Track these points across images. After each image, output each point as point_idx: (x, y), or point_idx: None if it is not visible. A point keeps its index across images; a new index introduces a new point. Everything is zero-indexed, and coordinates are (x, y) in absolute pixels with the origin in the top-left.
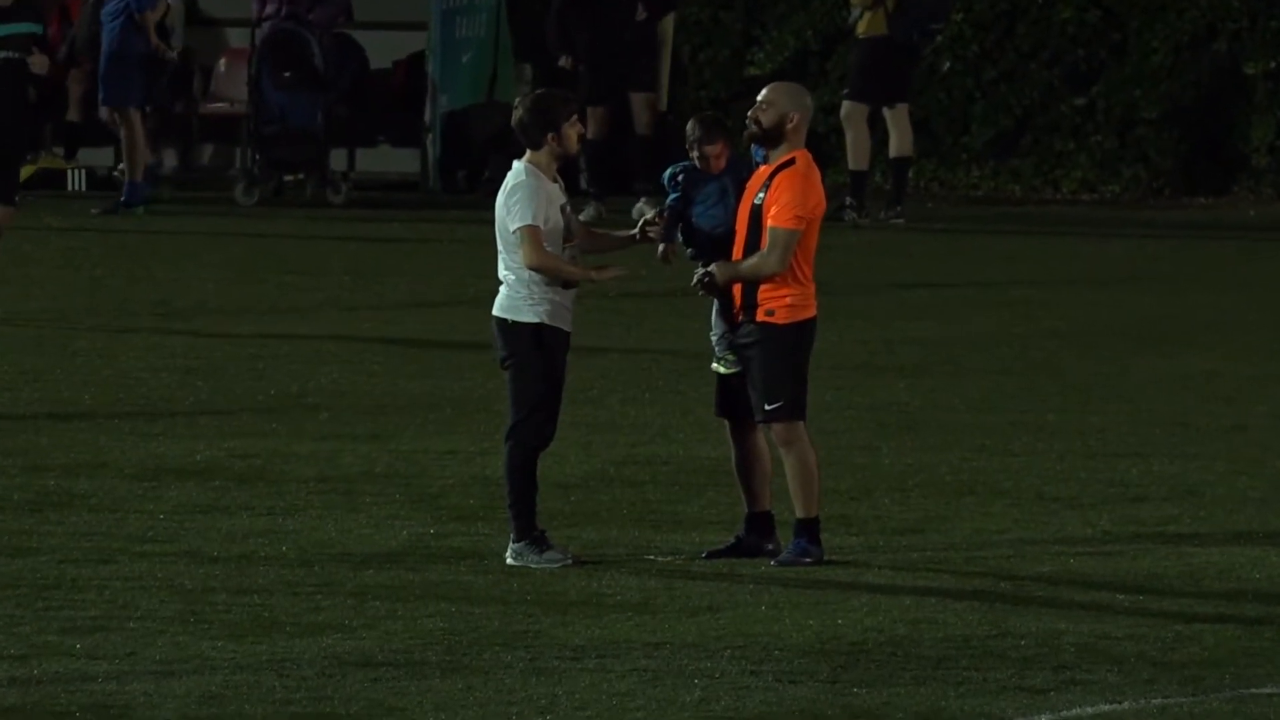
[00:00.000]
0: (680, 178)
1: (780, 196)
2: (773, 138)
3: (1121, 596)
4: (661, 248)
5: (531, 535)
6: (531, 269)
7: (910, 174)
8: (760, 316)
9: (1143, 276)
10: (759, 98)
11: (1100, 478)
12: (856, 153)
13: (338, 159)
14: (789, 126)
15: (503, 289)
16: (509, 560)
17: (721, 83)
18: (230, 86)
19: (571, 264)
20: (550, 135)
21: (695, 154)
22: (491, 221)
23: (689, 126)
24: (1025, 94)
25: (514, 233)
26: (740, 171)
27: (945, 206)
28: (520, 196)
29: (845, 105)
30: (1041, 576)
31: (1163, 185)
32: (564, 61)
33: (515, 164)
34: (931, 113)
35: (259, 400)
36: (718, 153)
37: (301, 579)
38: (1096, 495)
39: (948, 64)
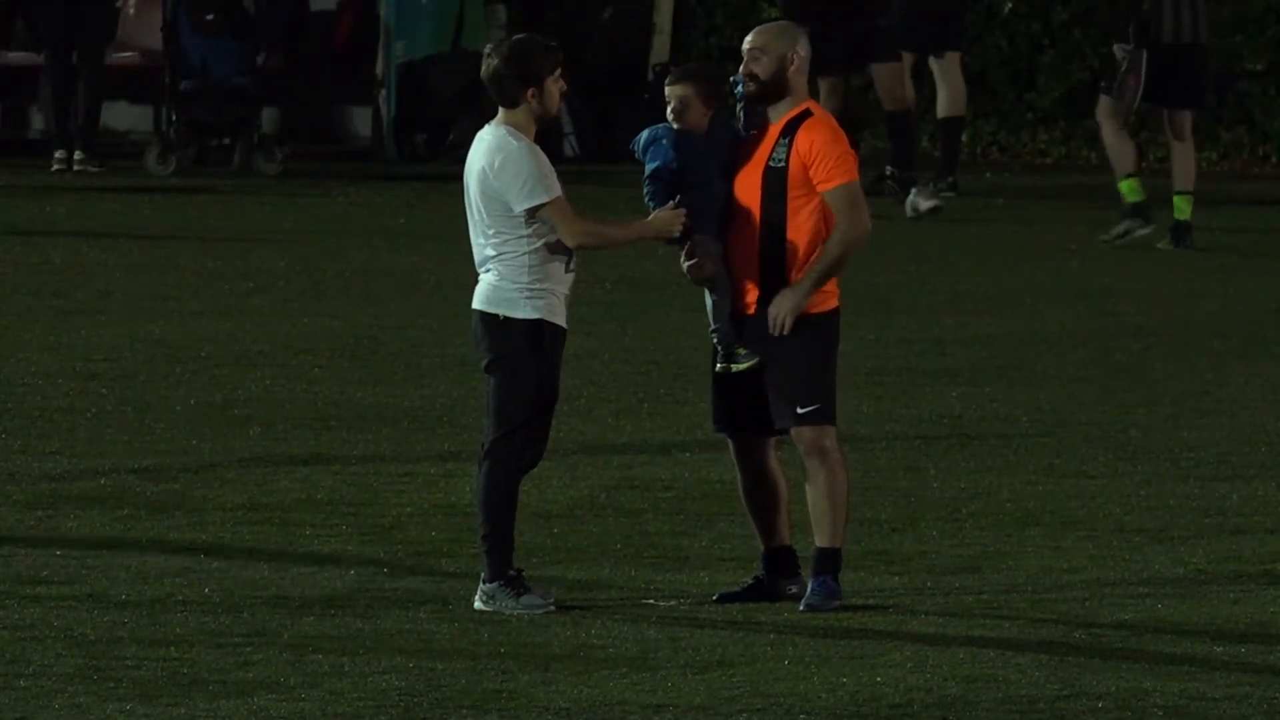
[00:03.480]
0: (665, 142)
1: (816, 154)
2: (775, 90)
3: (1220, 649)
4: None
5: (507, 575)
6: (580, 247)
7: (963, 138)
8: None
9: (1245, 263)
10: (745, 46)
11: (1194, 505)
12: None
13: (271, 120)
14: (791, 71)
15: (488, 278)
16: (479, 605)
17: (735, 28)
18: (141, 32)
19: (616, 223)
20: (530, 91)
21: (671, 109)
22: (457, 193)
23: (668, 79)
24: (1103, 41)
25: (529, 212)
26: (731, 135)
27: (1007, 177)
28: (521, 165)
29: None
30: (1123, 624)
31: (1269, 151)
32: None
33: (488, 127)
34: (990, 63)
35: (176, 411)
36: (693, 99)
37: (227, 628)
38: (1189, 527)
39: (1009, 4)
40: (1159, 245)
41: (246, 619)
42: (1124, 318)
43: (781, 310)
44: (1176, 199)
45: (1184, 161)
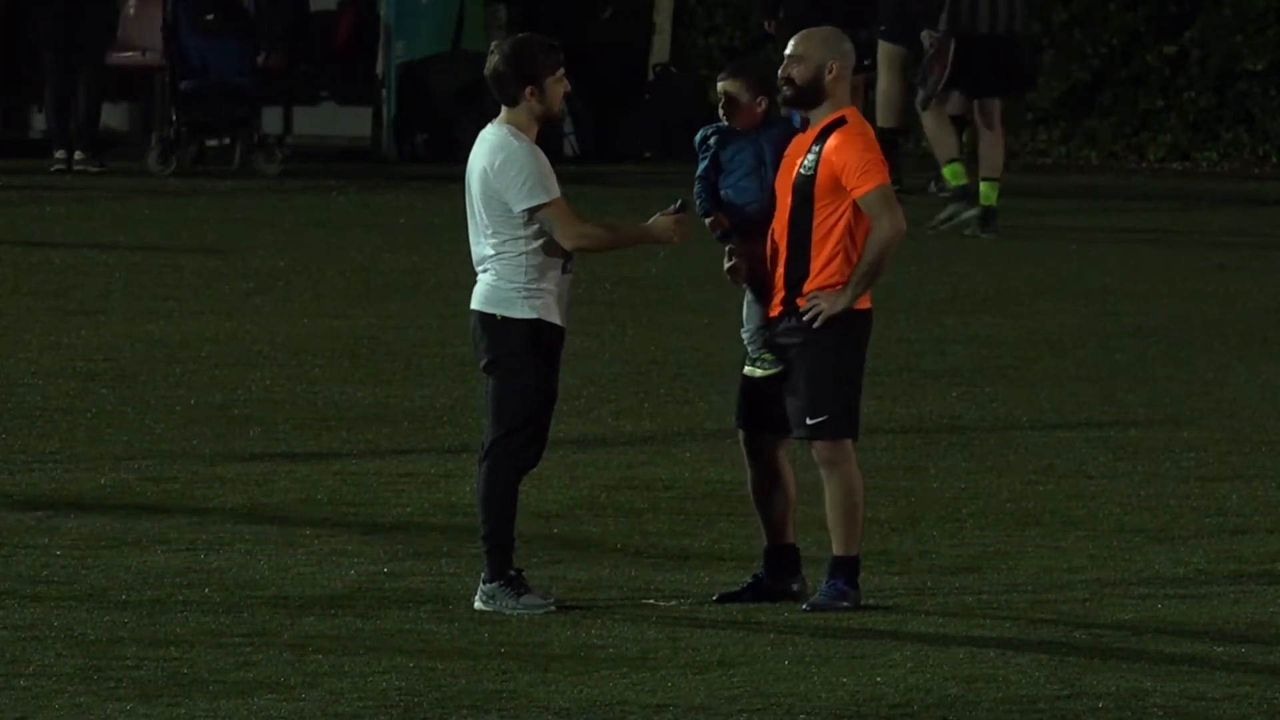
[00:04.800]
0: (712, 140)
1: (847, 162)
2: (811, 96)
3: (1220, 649)
4: (710, 219)
5: (507, 575)
6: (578, 249)
7: (964, 138)
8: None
9: (1245, 263)
10: (787, 51)
11: (1194, 505)
12: (886, 106)
13: (271, 120)
14: (829, 79)
15: (486, 278)
16: (479, 605)
17: (735, 27)
18: (141, 32)
19: (615, 226)
20: (530, 89)
21: (721, 105)
22: (457, 193)
23: (719, 75)
24: (1104, 40)
25: (528, 213)
26: (781, 133)
27: (1007, 176)
28: (521, 166)
29: (879, 47)
30: (1123, 624)
31: (1269, 151)
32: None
33: (490, 126)
34: None
35: (176, 411)
36: (740, 95)
37: (228, 628)
38: (1189, 527)
39: None
40: (967, 232)
41: (246, 619)
42: (1124, 318)
43: (820, 305)
44: (983, 185)
45: (993, 149)
